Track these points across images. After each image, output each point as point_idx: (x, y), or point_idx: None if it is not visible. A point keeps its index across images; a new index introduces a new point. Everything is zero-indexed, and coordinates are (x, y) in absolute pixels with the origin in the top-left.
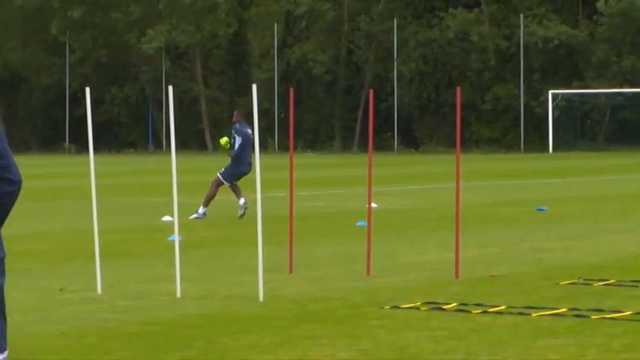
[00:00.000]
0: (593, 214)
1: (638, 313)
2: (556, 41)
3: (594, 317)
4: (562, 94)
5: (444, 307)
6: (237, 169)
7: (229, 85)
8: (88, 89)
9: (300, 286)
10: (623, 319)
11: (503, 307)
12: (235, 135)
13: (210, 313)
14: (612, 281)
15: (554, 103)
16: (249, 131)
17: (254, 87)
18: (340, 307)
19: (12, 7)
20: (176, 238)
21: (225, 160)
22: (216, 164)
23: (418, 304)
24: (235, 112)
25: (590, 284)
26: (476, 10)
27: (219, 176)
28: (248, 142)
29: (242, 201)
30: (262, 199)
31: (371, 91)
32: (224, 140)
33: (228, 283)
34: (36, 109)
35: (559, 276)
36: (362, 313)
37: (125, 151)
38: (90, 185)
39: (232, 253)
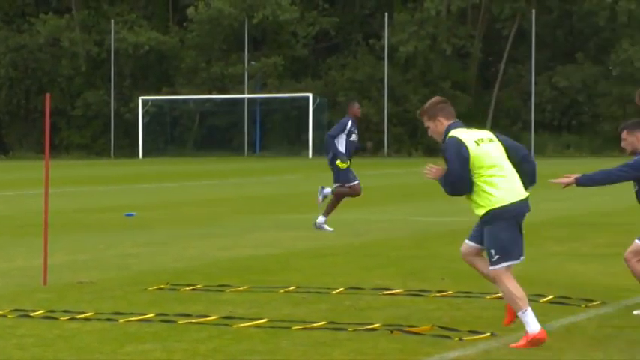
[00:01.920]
0: (182, 220)
1: (223, 318)
2: (146, 47)
3: (181, 322)
4: (152, 100)
5: (31, 314)
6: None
7: None
8: None
9: None
10: (209, 323)
11: (91, 314)
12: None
13: None
14: (199, 286)
15: (145, 109)
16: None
17: None
18: None
19: None
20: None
21: None
22: None
23: (5, 311)
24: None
25: (178, 289)
26: (67, 15)
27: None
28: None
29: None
30: None
31: None
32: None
33: None
34: None
35: (147, 281)
36: None
37: None
38: None
39: None
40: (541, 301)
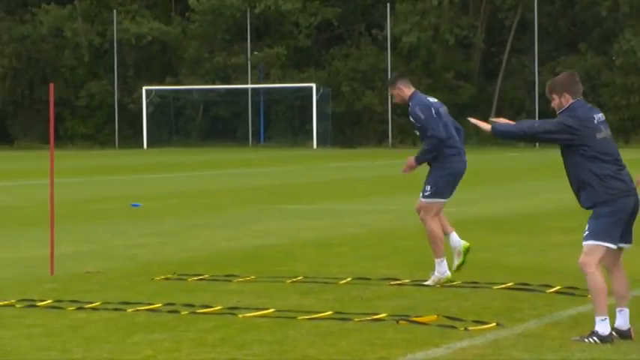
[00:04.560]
0: (186, 210)
1: (230, 308)
2: (149, 37)
3: (189, 312)
4: (156, 90)
5: (38, 304)
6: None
7: None
8: None
9: None
10: (216, 313)
11: (98, 303)
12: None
13: None
14: (206, 276)
15: (149, 99)
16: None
17: None
18: None
19: None
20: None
21: None
22: None
23: (13, 301)
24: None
25: (185, 279)
26: (69, 6)
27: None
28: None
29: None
30: None
31: None
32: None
33: None
34: None
35: (154, 271)
36: None
37: None
38: None
39: None
40: (548, 291)
